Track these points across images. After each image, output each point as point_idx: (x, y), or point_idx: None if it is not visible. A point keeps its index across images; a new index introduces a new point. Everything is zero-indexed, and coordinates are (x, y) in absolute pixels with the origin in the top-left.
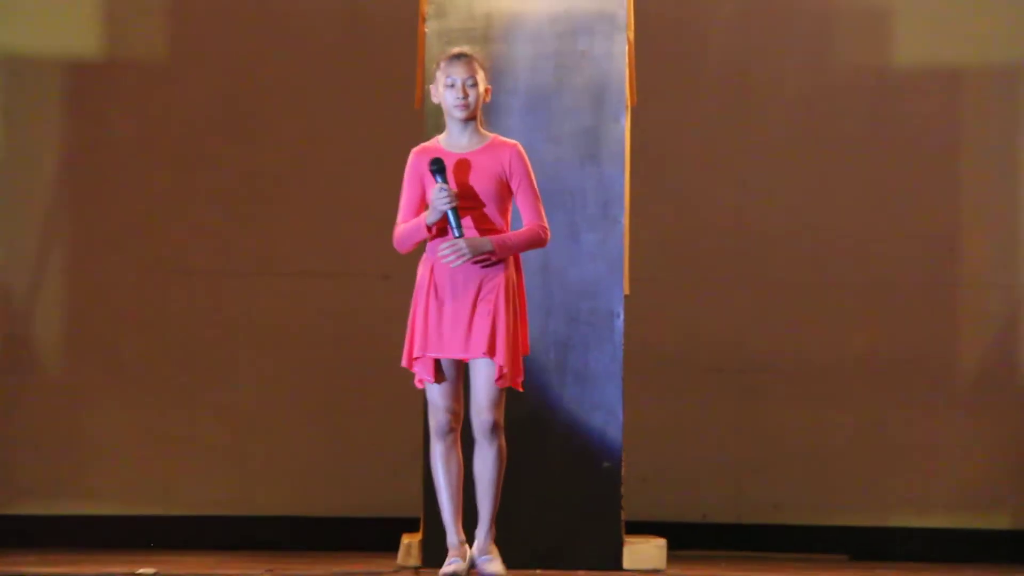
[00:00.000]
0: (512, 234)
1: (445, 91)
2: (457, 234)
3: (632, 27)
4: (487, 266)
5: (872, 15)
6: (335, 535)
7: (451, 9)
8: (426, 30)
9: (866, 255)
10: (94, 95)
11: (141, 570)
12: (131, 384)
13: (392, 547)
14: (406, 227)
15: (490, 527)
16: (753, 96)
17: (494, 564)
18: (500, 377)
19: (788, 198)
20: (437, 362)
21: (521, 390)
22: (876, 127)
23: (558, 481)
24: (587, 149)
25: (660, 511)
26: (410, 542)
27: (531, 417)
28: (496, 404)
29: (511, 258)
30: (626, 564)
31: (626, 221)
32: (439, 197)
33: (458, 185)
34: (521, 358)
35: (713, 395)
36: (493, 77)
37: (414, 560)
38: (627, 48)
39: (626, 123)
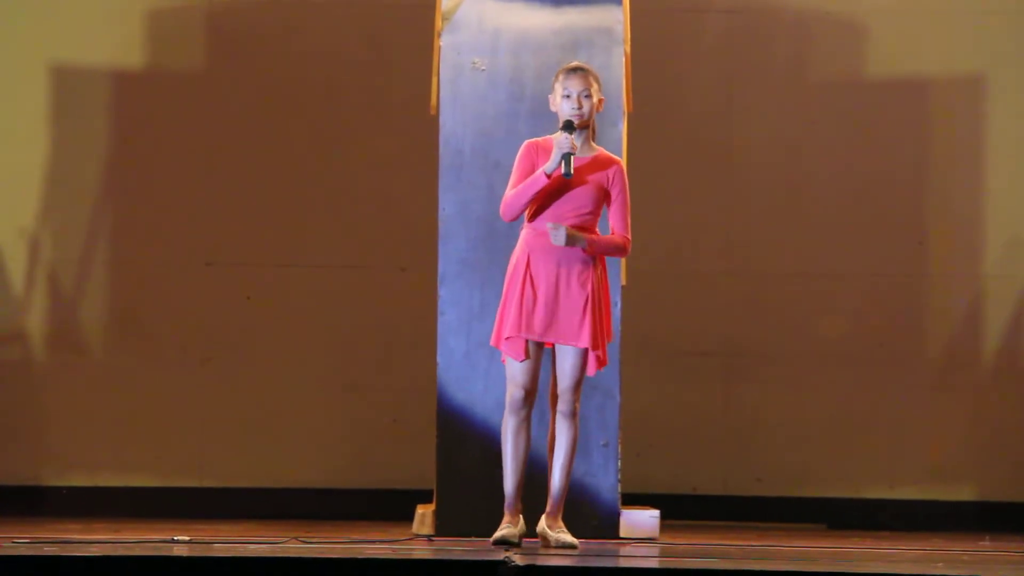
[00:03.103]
0: (603, 237)
1: (562, 101)
2: (565, 172)
3: (629, 40)
4: (582, 260)
5: (847, 31)
6: (355, 506)
7: (463, 24)
8: (440, 43)
9: (843, 248)
10: (136, 103)
11: (177, 537)
12: (167, 366)
13: (407, 517)
14: (519, 187)
15: (561, 501)
16: (738, 103)
17: (566, 535)
18: (599, 366)
19: (771, 197)
20: (526, 342)
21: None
22: (852, 131)
23: None
24: None
25: (653, 484)
26: (424, 512)
27: (537, 398)
28: (579, 388)
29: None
30: (622, 533)
31: None
32: (563, 142)
33: (564, 186)
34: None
35: (702, 378)
36: (501, 86)
37: (427, 529)
38: (624, 59)
39: (623, 128)
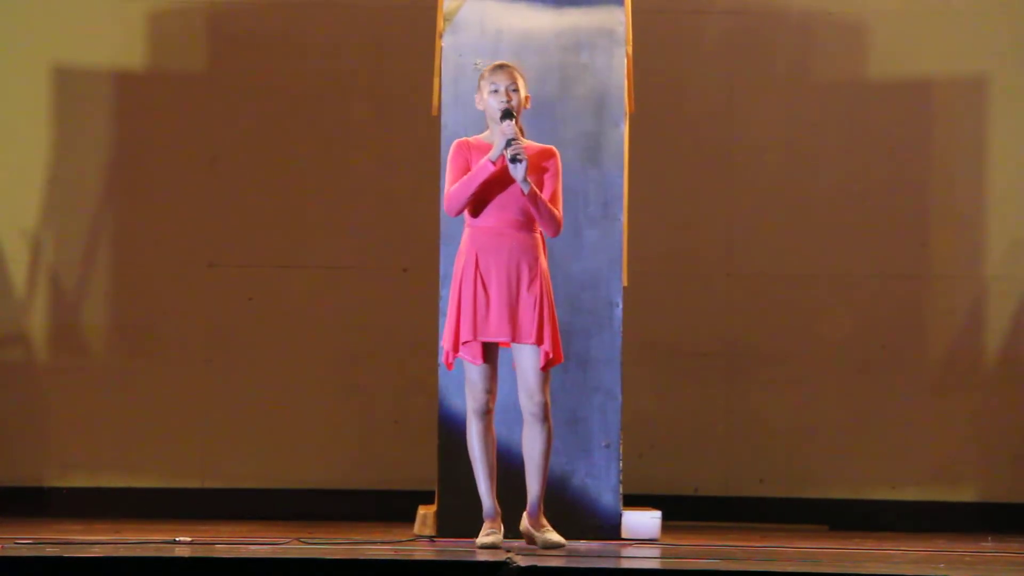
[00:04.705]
0: (545, 201)
1: (489, 97)
2: (511, 157)
3: (630, 42)
4: (530, 253)
5: (849, 32)
6: (357, 506)
7: (465, 26)
8: (442, 44)
9: (845, 249)
10: (138, 104)
11: (179, 538)
12: (170, 367)
13: (409, 518)
14: (464, 178)
15: (540, 502)
16: (740, 104)
17: (552, 535)
18: (547, 363)
19: (772, 198)
20: (483, 345)
21: (562, 360)
22: (854, 132)
23: (561, 457)
24: (589, 153)
25: (655, 485)
26: (426, 513)
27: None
28: (544, 386)
29: (544, 248)
30: (624, 534)
31: (625, 219)
32: (506, 128)
33: (500, 181)
34: (560, 339)
35: (704, 378)
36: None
37: (429, 530)
38: (626, 61)
39: (625, 129)
